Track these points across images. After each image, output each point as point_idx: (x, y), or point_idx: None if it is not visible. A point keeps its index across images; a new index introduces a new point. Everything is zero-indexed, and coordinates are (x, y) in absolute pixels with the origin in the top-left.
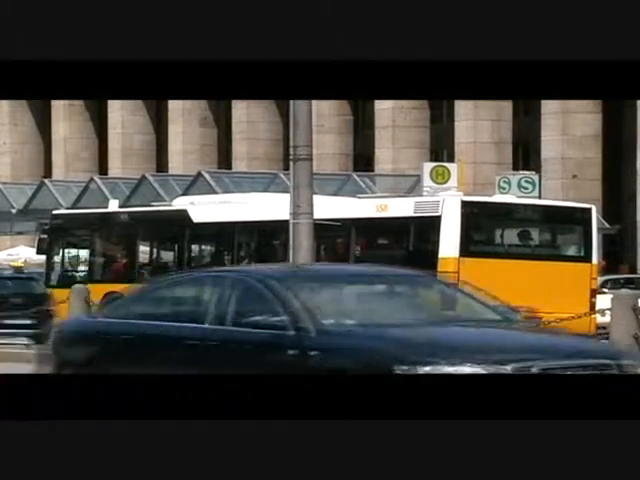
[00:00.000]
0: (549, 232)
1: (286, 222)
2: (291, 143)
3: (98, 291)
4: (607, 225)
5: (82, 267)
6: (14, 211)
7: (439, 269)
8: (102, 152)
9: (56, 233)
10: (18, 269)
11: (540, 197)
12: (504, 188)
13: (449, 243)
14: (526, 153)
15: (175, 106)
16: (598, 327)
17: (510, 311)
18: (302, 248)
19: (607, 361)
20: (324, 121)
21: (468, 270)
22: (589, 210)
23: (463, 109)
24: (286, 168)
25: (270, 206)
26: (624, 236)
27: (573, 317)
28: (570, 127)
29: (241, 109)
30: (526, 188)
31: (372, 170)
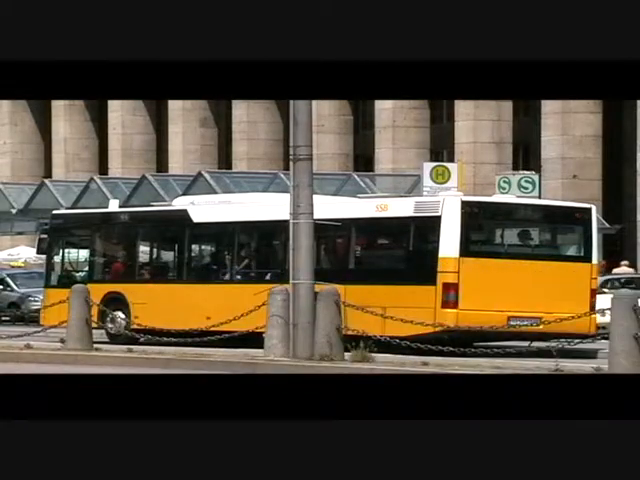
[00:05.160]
0: (549, 232)
1: (286, 222)
2: (291, 143)
3: (98, 291)
4: (607, 225)
5: (82, 267)
6: (14, 211)
7: (439, 269)
8: (102, 152)
9: (56, 233)
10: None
11: (540, 197)
12: (504, 188)
13: (449, 243)
14: (526, 153)
15: (175, 106)
16: (598, 327)
17: None
18: (302, 248)
19: None
20: (324, 121)
21: (468, 270)
22: (589, 210)
23: (463, 109)
24: (286, 168)
25: (270, 206)
26: (624, 236)
27: (573, 317)
28: (570, 127)
29: (241, 109)
30: (526, 188)
31: (372, 170)
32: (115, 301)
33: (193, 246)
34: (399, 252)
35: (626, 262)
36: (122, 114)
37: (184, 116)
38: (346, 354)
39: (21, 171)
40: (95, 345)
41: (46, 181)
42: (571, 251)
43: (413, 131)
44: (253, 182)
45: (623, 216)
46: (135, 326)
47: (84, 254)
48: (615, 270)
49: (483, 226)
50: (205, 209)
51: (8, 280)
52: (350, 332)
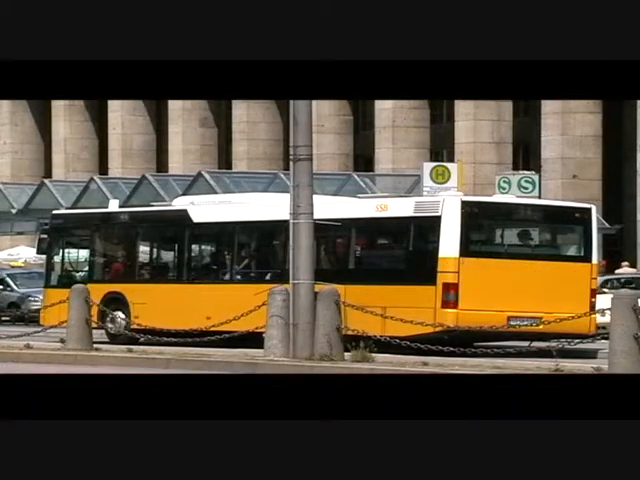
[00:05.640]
0: (549, 232)
1: (286, 222)
2: (291, 143)
3: (98, 291)
4: (607, 225)
5: (82, 267)
6: (14, 211)
7: (439, 269)
8: (102, 152)
9: (56, 233)
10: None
11: (540, 197)
12: (504, 188)
13: (449, 243)
14: (526, 153)
15: (175, 106)
16: (598, 327)
17: None
18: (302, 248)
19: None
20: (324, 121)
21: (468, 270)
22: (589, 210)
23: (463, 109)
24: (286, 168)
25: (270, 206)
26: (624, 236)
27: (573, 317)
28: (570, 127)
29: (241, 109)
30: (526, 188)
31: (372, 170)
32: (115, 301)
33: (193, 246)
34: (399, 252)
35: (626, 263)
36: (122, 114)
37: (184, 116)
38: (346, 354)
39: (21, 171)
40: (95, 345)
41: (46, 181)
42: (571, 251)
43: (413, 131)
44: (253, 182)
45: (623, 216)
46: (135, 326)
47: (84, 254)
48: (617, 271)
49: (483, 226)
50: (205, 209)
51: (8, 280)
52: (350, 332)
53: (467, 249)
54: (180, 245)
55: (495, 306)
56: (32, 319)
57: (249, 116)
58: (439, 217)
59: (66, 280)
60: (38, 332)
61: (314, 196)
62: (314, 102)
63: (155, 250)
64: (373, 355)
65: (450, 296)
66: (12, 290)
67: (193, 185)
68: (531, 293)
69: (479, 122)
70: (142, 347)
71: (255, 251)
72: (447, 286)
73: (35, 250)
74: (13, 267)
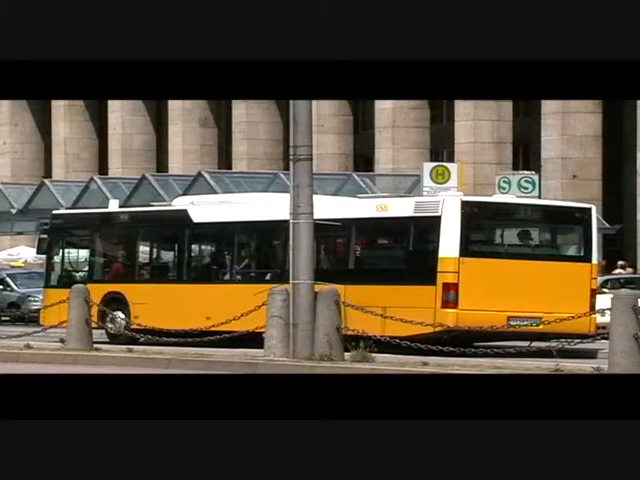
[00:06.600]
0: (549, 232)
1: (286, 222)
2: (291, 143)
3: (98, 291)
4: (607, 225)
5: (82, 267)
6: (14, 211)
7: (439, 269)
8: (102, 152)
9: (56, 233)
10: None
11: (540, 197)
12: (504, 188)
13: (449, 243)
14: (526, 153)
15: (175, 106)
16: (598, 327)
17: None
18: (302, 248)
19: None
20: (324, 121)
21: (468, 270)
22: (589, 210)
23: (463, 109)
24: (286, 168)
25: (270, 206)
26: (624, 236)
27: (573, 317)
28: (570, 127)
29: (241, 109)
30: (526, 188)
31: (372, 170)
32: (115, 301)
33: (193, 246)
34: (399, 252)
35: (622, 263)
36: (122, 114)
37: (184, 116)
38: (346, 354)
39: (21, 171)
40: (95, 345)
41: (46, 181)
42: (571, 251)
43: (413, 131)
44: (253, 182)
45: (623, 216)
46: (135, 326)
47: (84, 254)
48: (618, 270)
49: (483, 226)
50: (205, 209)
51: (8, 280)
52: (350, 332)
53: (467, 249)
54: (180, 245)
55: (495, 306)
56: (32, 319)
57: (249, 116)
58: (439, 217)
59: (66, 280)
60: (38, 332)
61: (314, 196)
62: (314, 102)
63: (155, 250)
64: (373, 355)
65: (450, 296)
66: (12, 290)
67: (193, 185)
68: (531, 293)
69: (479, 122)
70: (142, 347)
71: (255, 251)
72: (447, 286)
73: (35, 250)
74: (13, 267)
